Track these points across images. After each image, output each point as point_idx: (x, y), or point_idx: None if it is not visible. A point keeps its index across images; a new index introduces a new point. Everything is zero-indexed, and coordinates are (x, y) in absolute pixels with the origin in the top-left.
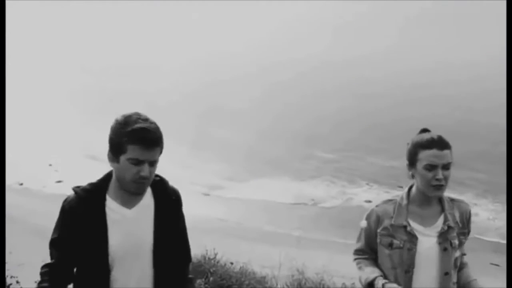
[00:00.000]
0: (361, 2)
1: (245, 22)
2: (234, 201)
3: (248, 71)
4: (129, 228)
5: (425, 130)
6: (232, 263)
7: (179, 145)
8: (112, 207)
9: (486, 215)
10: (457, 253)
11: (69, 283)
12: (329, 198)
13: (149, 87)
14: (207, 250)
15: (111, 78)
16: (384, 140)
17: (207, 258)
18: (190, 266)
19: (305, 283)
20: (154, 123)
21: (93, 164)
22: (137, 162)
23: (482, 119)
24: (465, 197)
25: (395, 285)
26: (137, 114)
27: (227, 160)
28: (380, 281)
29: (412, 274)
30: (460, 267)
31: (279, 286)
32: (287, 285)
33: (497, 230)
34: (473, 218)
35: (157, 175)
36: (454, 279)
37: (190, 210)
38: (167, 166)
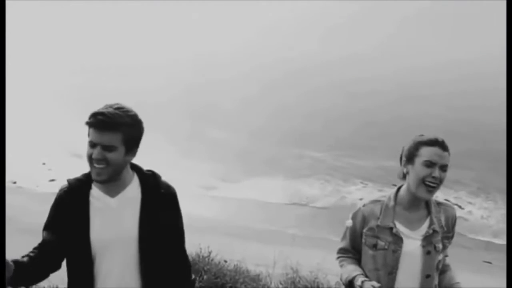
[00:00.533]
0: (353, 2)
1: (236, 21)
2: (228, 200)
3: (240, 70)
4: (111, 216)
5: (422, 136)
6: (226, 261)
7: (171, 145)
8: (96, 195)
9: (480, 214)
10: (440, 256)
11: (53, 269)
12: (324, 196)
13: (140, 86)
14: (201, 249)
15: (105, 78)
16: (377, 138)
17: (201, 257)
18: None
19: (299, 281)
20: (122, 111)
21: (86, 163)
22: (92, 145)
23: (476, 118)
24: (459, 195)
25: (374, 282)
26: (116, 104)
27: (220, 160)
28: (359, 279)
29: (395, 275)
30: (443, 269)
31: (273, 284)
32: (281, 283)
33: (489, 229)
34: (467, 216)
35: (149, 170)
36: (436, 281)
37: (184, 209)
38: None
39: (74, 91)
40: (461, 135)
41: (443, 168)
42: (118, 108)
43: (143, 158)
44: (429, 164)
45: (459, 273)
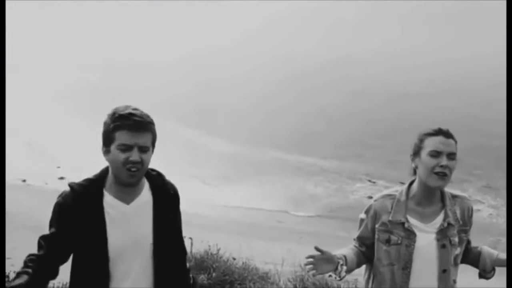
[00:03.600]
0: (352, 2)
1: (235, 21)
2: (234, 199)
3: (239, 70)
4: (128, 224)
5: None
6: (234, 259)
7: (172, 142)
8: (110, 202)
9: (488, 212)
10: (457, 251)
11: (52, 278)
12: (328, 195)
13: (136, 86)
14: (209, 246)
15: (105, 77)
16: (381, 136)
17: (209, 254)
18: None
19: (307, 279)
20: (144, 113)
21: (95, 161)
22: (126, 148)
23: (479, 115)
24: (467, 193)
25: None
26: (128, 105)
27: (223, 159)
28: (344, 267)
29: (409, 270)
30: (477, 251)
31: (281, 282)
32: (289, 281)
33: (498, 227)
34: (475, 214)
35: (153, 170)
36: (454, 276)
37: (192, 207)
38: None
39: (75, 90)
40: (467, 131)
41: (450, 156)
42: (137, 109)
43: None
44: (435, 153)
45: (464, 273)
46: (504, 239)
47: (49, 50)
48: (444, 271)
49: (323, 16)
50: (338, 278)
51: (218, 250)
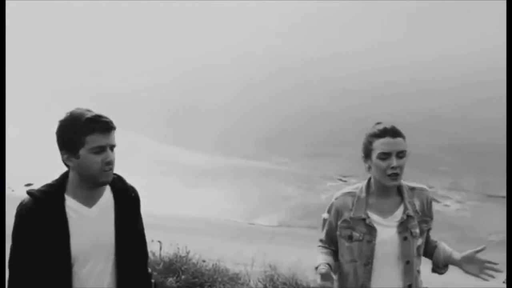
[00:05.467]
0: (336, 1)
1: (215, 20)
2: (206, 198)
3: (222, 69)
4: (91, 227)
5: (378, 123)
6: (204, 261)
7: (151, 143)
8: (72, 206)
9: (455, 207)
10: (419, 241)
11: None
12: (302, 193)
13: (120, 86)
14: (178, 248)
15: (91, 77)
16: (357, 135)
17: (178, 256)
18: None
19: (277, 279)
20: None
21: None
22: (100, 150)
23: (455, 115)
24: (434, 190)
25: (324, 269)
26: (78, 108)
27: (198, 157)
28: (320, 266)
29: (371, 266)
30: (433, 244)
31: (252, 282)
32: (259, 281)
33: (466, 222)
34: (443, 210)
35: (114, 174)
36: (418, 267)
37: (163, 208)
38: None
39: (62, 91)
40: (438, 131)
41: (399, 154)
42: (91, 110)
43: (122, 157)
44: (384, 156)
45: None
46: (470, 234)
47: (28, 49)
48: (408, 262)
49: (305, 16)
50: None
51: (188, 252)
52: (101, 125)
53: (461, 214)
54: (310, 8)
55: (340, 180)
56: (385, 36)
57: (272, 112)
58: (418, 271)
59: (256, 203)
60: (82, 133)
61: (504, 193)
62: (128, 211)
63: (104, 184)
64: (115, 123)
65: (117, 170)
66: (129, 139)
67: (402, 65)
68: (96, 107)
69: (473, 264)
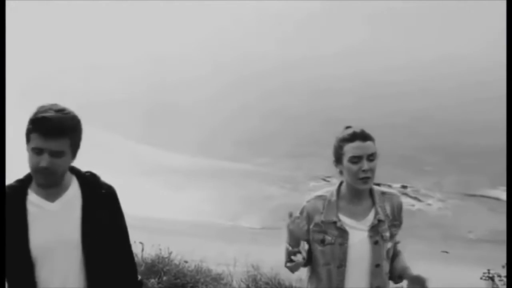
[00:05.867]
0: (315, 2)
1: (195, 21)
2: (188, 199)
3: (199, 70)
4: (52, 221)
5: (348, 127)
6: (186, 262)
7: (129, 144)
8: (33, 200)
9: (437, 205)
10: (389, 245)
11: None
12: (284, 193)
13: (98, 86)
14: (160, 250)
15: (63, 78)
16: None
17: (160, 258)
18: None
19: (260, 279)
20: (67, 114)
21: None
22: (38, 152)
23: (440, 116)
24: (417, 188)
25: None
26: (53, 105)
27: (178, 159)
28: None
29: (344, 269)
30: (395, 254)
31: (234, 282)
32: (242, 281)
33: (447, 220)
34: (425, 209)
35: (88, 171)
36: (387, 269)
37: (144, 210)
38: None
39: (33, 91)
40: (422, 132)
41: (370, 157)
42: (60, 111)
43: (102, 157)
44: (355, 159)
45: (417, 263)
46: (452, 232)
47: (7, 49)
48: (377, 265)
49: (287, 16)
50: None
51: (170, 253)
52: (42, 128)
53: (443, 213)
54: (292, 7)
55: (324, 180)
56: (371, 37)
57: (254, 113)
58: (387, 274)
59: (238, 204)
60: (28, 130)
61: (484, 192)
62: (99, 209)
63: (41, 186)
64: (93, 123)
65: (97, 170)
66: (109, 139)
67: (386, 66)
68: (74, 107)
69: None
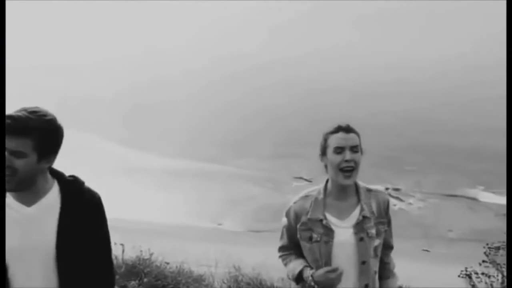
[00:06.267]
0: (301, 2)
1: (178, 20)
2: (170, 200)
3: (183, 69)
4: (27, 227)
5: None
6: (168, 263)
7: (111, 145)
8: (10, 203)
9: (418, 204)
10: (376, 242)
11: None
12: (267, 194)
13: (78, 87)
14: (141, 251)
15: (47, 78)
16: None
17: (141, 259)
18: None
19: (241, 279)
20: (40, 117)
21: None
22: (6, 151)
23: (423, 117)
24: (398, 188)
25: (321, 270)
26: (34, 107)
27: (161, 158)
28: (308, 271)
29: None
30: (387, 275)
31: (216, 283)
32: (224, 282)
33: (428, 219)
34: (406, 208)
35: (71, 176)
36: (375, 267)
37: (126, 212)
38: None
39: (18, 91)
40: (403, 132)
41: (353, 149)
42: (32, 112)
43: (84, 159)
44: (338, 150)
45: (398, 261)
46: (432, 231)
47: None
48: (364, 262)
49: (270, 16)
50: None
51: (151, 255)
52: (5, 126)
53: (424, 212)
54: (275, 8)
55: (307, 180)
56: (356, 37)
57: (237, 113)
58: (375, 272)
59: (221, 205)
60: None
61: (463, 192)
62: (80, 216)
63: (8, 190)
64: (74, 124)
65: (79, 172)
66: (90, 140)
67: (370, 67)
68: (52, 108)
69: None
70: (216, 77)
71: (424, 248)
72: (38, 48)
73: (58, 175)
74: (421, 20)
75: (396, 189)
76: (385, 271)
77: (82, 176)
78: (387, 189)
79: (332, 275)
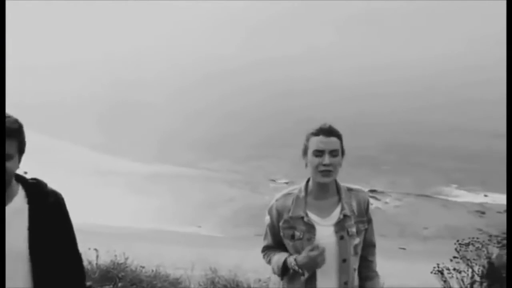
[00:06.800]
0: (276, 2)
1: (153, 20)
2: (146, 203)
3: (158, 71)
4: None
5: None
6: (143, 267)
7: (86, 146)
8: None
9: (394, 203)
10: (356, 241)
11: None
12: (244, 196)
13: (48, 88)
14: (116, 256)
15: (26, 78)
16: (301, 135)
17: (116, 264)
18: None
19: (218, 281)
20: (9, 118)
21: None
22: None
23: (400, 118)
24: (374, 187)
25: (304, 252)
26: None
27: (142, 158)
28: (291, 258)
29: None
30: (371, 275)
31: (192, 286)
32: (200, 285)
33: (404, 217)
34: (383, 207)
35: (33, 179)
36: (355, 265)
37: (99, 216)
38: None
39: None
40: (379, 132)
41: (332, 153)
42: (6, 115)
43: (57, 163)
44: (317, 153)
45: (377, 259)
46: (408, 229)
47: None
48: (344, 260)
49: (246, 18)
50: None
51: (126, 259)
52: None
53: (400, 211)
54: (253, 9)
55: (285, 182)
56: (333, 39)
57: (213, 115)
58: (355, 269)
59: (198, 208)
60: None
61: (438, 190)
62: (46, 216)
63: None
64: (44, 127)
65: (52, 177)
66: (62, 144)
67: (346, 69)
68: (20, 109)
69: None
70: (192, 79)
71: (401, 246)
72: (8, 49)
73: (21, 179)
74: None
75: (373, 191)
76: (369, 271)
77: (56, 182)
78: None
79: (315, 253)
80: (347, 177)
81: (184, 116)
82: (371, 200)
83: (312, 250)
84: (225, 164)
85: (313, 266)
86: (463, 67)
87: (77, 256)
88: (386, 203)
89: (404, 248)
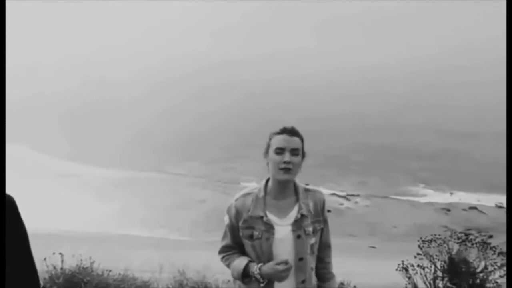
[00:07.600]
0: (249, 2)
1: (126, 19)
2: (115, 206)
3: (130, 70)
4: None
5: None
6: (110, 271)
7: (54, 147)
8: None
9: (364, 203)
10: (313, 240)
11: None
12: (214, 197)
13: (16, 89)
14: (81, 260)
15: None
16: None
17: (81, 268)
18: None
19: (186, 283)
20: None
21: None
22: None
23: (373, 120)
24: (345, 188)
25: (271, 263)
26: None
27: (108, 162)
28: (254, 266)
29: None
30: (328, 277)
31: None
32: (169, 287)
33: (374, 216)
34: (352, 206)
35: None
36: (312, 264)
37: (65, 218)
38: (39, 169)
39: None
40: (348, 133)
41: (294, 152)
42: None
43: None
44: (279, 150)
45: (348, 259)
46: (378, 227)
47: None
48: (301, 259)
49: (215, 18)
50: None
51: (92, 263)
52: None
53: (369, 210)
54: (222, 10)
55: (257, 183)
56: (305, 41)
57: (183, 116)
58: (312, 268)
59: (166, 210)
60: None
61: (406, 189)
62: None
63: None
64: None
65: (14, 185)
66: (21, 151)
67: (316, 71)
68: None
69: None
70: (160, 80)
71: (371, 245)
72: None
73: None
74: (363, 27)
75: (343, 190)
76: (326, 272)
77: (18, 190)
78: (333, 194)
79: (281, 267)
80: (316, 178)
81: (151, 118)
82: (342, 200)
83: (280, 263)
84: (194, 166)
85: (276, 279)
86: (432, 70)
87: (31, 263)
88: (357, 202)
89: (374, 247)
